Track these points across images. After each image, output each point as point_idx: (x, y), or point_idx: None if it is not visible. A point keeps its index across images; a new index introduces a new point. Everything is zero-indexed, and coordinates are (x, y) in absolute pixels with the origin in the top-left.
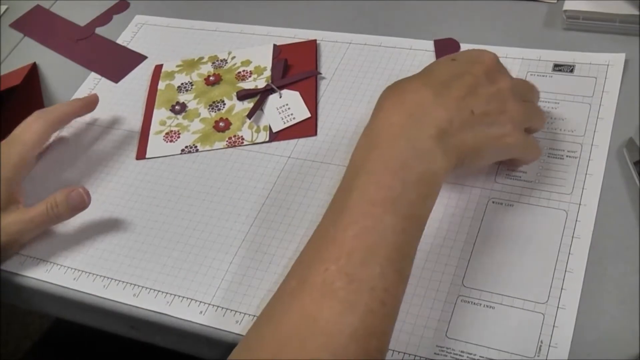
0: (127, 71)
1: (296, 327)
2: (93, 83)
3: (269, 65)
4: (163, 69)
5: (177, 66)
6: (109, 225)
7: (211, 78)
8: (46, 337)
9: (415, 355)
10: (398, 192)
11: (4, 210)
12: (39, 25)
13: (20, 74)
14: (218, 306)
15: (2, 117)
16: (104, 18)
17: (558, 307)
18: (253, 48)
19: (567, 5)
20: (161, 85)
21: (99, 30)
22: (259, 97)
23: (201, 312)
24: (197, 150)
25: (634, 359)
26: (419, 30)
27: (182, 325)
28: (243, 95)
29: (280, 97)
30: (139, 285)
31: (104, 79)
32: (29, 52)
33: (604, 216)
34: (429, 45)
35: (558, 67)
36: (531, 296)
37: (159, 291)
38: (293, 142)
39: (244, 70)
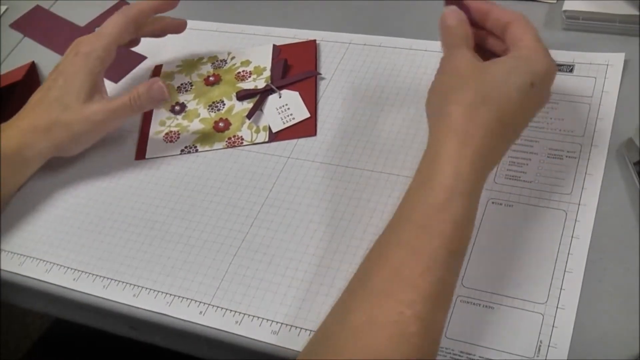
0: (127, 71)
1: None
2: None
3: (269, 66)
4: (163, 70)
5: (177, 66)
6: (109, 226)
7: (211, 78)
8: (46, 337)
9: None
10: (467, 242)
11: (90, 99)
12: (39, 25)
13: (20, 72)
14: (218, 306)
15: (2, 115)
16: (104, 18)
17: (557, 307)
18: (253, 48)
19: (567, 6)
20: None
21: None
22: (259, 97)
23: (201, 312)
24: (196, 151)
25: (633, 359)
26: (419, 30)
27: (182, 325)
28: (243, 96)
29: (280, 97)
30: (138, 286)
31: (104, 79)
32: (29, 52)
33: (603, 216)
34: (429, 45)
35: (558, 67)
36: (530, 296)
37: (158, 291)
38: (293, 142)
39: (243, 71)
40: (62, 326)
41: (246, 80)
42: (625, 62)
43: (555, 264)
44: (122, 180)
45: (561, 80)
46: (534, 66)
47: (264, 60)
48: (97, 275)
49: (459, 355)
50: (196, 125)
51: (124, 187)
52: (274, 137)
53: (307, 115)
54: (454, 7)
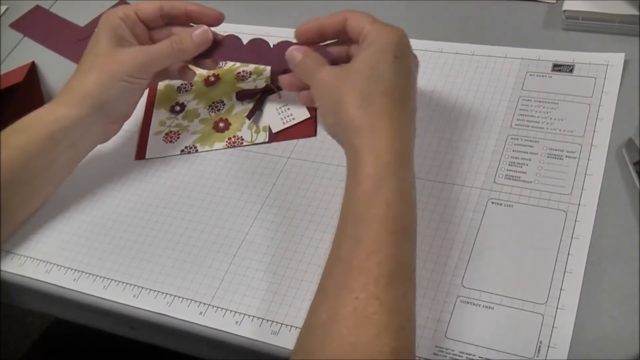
0: None
1: (336, 356)
2: None
3: (268, 67)
4: None
5: None
6: (109, 226)
7: (211, 78)
8: (46, 337)
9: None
10: (409, 220)
11: (122, 46)
12: (39, 25)
13: (21, 73)
14: (218, 307)
15: (3, 117)
16: None
17: (557, 308)
18: None
19: (567, 5)
20: (161, 85)
21: None
22: (259, 97)
23: (201, 312)
24: (196, 151)
25: (633, 359)
26: (418, 30)
27: (182, 325)
28: (243, 96)
29: (280, 97)
30: (138, 286)
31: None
32: (29, 52)
33: (603, 217)
34: (429, 45)
35: (557, 67)
36: (530, 297)
37: (158, 292)
38: (293, 142)
39: (243, 71)
40: (62, 326)
41: (246, 80)
42: (625, 62)
43: (555, 264)
44: (122, 180)
45: (561, 80)
46: (386, 43)
47: None
48: (97, 275)
49: (459, 355)
50: (196, 125)
51: (124, 187)
52: (274, 137)
53: (307, 115)
54: (294, 47)
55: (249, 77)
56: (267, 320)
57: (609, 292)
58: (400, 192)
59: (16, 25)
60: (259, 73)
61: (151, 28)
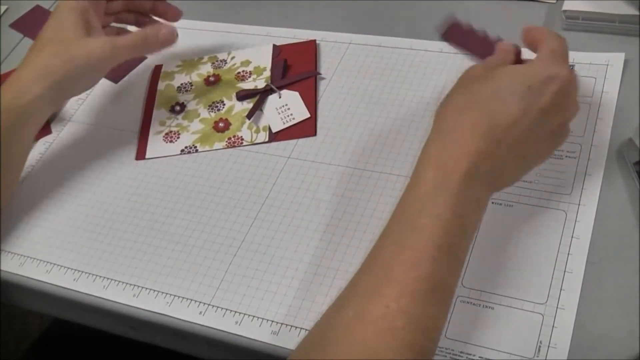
0: (127, 71)
1: (354, 357)
2: None
3: (269, 66)
4: (163, 69)
5: (177, 66)
6: (109, 226)
7: (211, 78)
8: (46, 337)
9: None
10: (458, 238)
11: (89, 34)
12: (39, 25)
13: None
14: (218, 306)
15: None
16: None
17: (557, 308)
18: (253, 48)
19: (567, 6)
20: (161, 85)
21: None
22: (259, 97)
23: (201, 312)
24: (196, 151)
25: (633, 359)
26: (419, 30)
27: (182, 325)
28: (243, 96)
29: (280, 97)
30: (138, 286)
31: (103, 79)
32: None
33: (603, 216)
34: (429, 45)
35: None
36: (530, 296)
37: (158, 291)
38: (293, 142)
39: (243, 71)
40: (62, 326)
41: (246, 80)
42: (625, 62)
43: (555, 264)
44: (122, 180)
45: None
46: (534, 71)
47: (264, 60)
48: (97, 275)
49: (459, 355)
50: (196, 125)
51: (124, 187)
52: (274, 137)
53: (307, 115)
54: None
55: (249, 77)
56: (267, 320)
57: (609, 291)
58: (453, 209)
59: (16, 25)
60: (259, 73)
61: (111, 11)
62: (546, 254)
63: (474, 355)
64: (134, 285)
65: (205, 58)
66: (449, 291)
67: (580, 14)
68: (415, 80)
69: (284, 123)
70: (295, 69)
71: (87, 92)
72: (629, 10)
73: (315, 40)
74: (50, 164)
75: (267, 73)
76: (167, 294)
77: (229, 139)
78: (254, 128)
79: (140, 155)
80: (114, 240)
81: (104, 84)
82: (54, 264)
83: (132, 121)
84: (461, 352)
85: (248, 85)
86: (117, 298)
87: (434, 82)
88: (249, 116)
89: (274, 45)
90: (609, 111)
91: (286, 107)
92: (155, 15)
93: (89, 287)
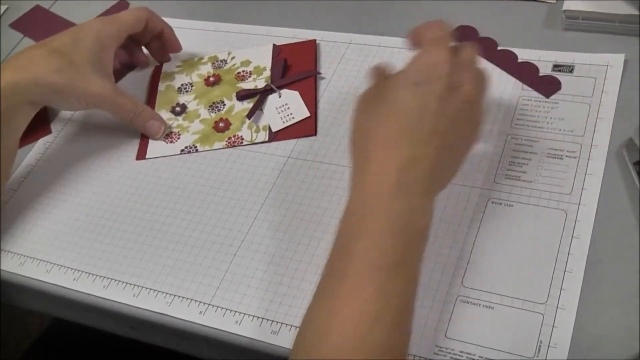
0: (127, 71)
1: None
2: None
3: (269, 65)
4: (163, 70)
5: (177, 67)
6: (109, 226)
7: (211, 79)
8: (46, 337)
9: (414, 356)
10: (399, 253)
11: (99, 71)
12: (39, 25)
13: None
14: (218, 306)
15: None
16: None
17: (557, 307)
18: (253, 48)
19: (567, 5)
20: (161, 86)
21: None
22: (259, 97)
23: (201, 312)
24: (196, 151)
25: (633, 359)
26: None
27: (182, 325)
28: (243, 96)
29: (280, 97)
30: (139, 286)
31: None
32: None
33: (603, 216)
34: None
35: (558, 68)
36: (530, 296)
37: (159, 291)
38: (293, 142)
39: (243, 71)
40: (62, 326)
41: (246, 80)
42: (625, 62)
43: (555, 264)
44: (122, 180)
45: (561, 80)
46: (414, 66)
47: (264, 60)
48: (97, 275)
49: (459, 355)
50: (196, 125)
51: (124, 187)
52: (274, 136)
53: (307, 114)
54: None
55: (249, 77)
56: (267, 320)
57: (609, 291)
58: (390, 227)
59: (16, 25)
60: (259, 73)
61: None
62: (546, 254)
63: (474, 355)
64: (134, 285)
65: (206, 58)
66: (403, 310)
67: (580, 14)
68: None
69: (284, 122)
70: (295, 68)
71: None
72: (629, 10)
73: (315, 40)
74: (50, 164)
75: (267, 73)
76: (167, 293)
77: (229, 138)
78: (254, 128)
79: (141, 155)
80: (114, 240)
81: None
82: (54, 264)
83: None
84: (461, 352)
85: (248, 85)
86: (117, 298)
87: None
88: (248, 116)
89: (274, 45)
90: (609, 111)
91: (286, 106)
92: (160, 43)
93: (89, 287)
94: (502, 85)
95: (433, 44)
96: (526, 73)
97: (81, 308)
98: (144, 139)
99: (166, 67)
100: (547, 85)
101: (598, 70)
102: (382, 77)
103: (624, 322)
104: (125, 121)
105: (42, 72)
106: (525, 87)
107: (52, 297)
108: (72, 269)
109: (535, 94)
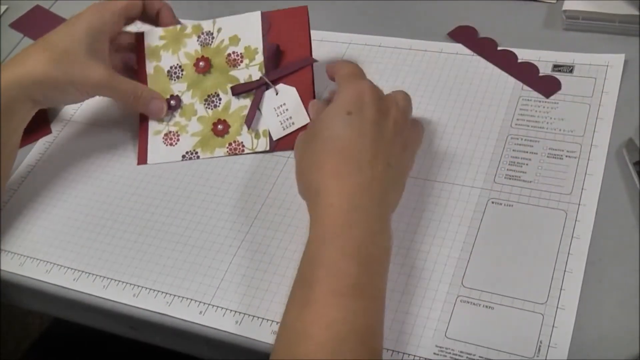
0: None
1: None
2: None
3: (260, 46)
4: (147, 43)
5: (160, 38)
6: (109, 226)
7: (201, 63)
8: (46, 337)
9: (414, 356)
10: (359, 276)
11: (93, 57)
12: (39, 25)
13: None
14: (218, 306)
15: None
16: None
17: (557, 307)
18: (239, 17)
19: (567, 6)
20: (149, 67)
21: None
22: (254, 96)
23: (201, 312)
24: (197, 157)
25: (633, 359)
26: (419, 30)
27: (182, 325)
28: (238, 90)
29: (277, 94)
30: (138, 286)
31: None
32: None
33: (603, 216)
34: (429, 45)
35: (558, 68)
36: (530, 296)
37: (158, 291)
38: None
39: (234, 52)
40: (62, 326)
41: (238, 67)
42: (625, 62)
43: (555, 264)
44: (122, 180)
45: (561, 80)
46: (342, 99)
47: (254, 36)
48: (97, 275)
49: (459, 355)
50: (195, 125)
51: (124, 187)
52: (275, 145)
53: (307, 120)
54: (313, 100)
55: (241, 62)
56: (267, 320)
57: (609, 291)
58: (347, 252)
59: (16, 25)
60: (251, 57)
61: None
62: (546, 254)
63: (474, 355)
64: (134, 285)
65: (189, 28)
66: (366, 331)
67: (580, 14)
68: (415, 80)
69: (284, 129)
70: (289, 47)
71: None
72: (629, 10)
73: (306, 7)
74: (50, 163)
75: (260, 57)
76: (167, 293)
77: (230, 144)
78: (254, 133)
79: (142, 159)
80: (114, 240)
81: None
82: (54, 264)
83: (131, 120)
84: (461, 352)
85: (241, 73)
86: (117, 298)
87: (433, 82)
88: (247, 123)
89: (263, 15)
90: (609, 111)
91: (284, 107)
92: (156, 22)
93: (89, 287)
94: (502, 85)
95: (353, 77)
96: (526, 73)
97: (81, 308)
98: (143, 139)
99: (149, 39)
100: (547, 86)
101: (598, 71)
102: (316, 114)
103: (624, 322)
104: (128, 105)
105: (38, 66)
106: (525, 87)
107: (52, 297)
108: (72, 269)
109: (535, 94)
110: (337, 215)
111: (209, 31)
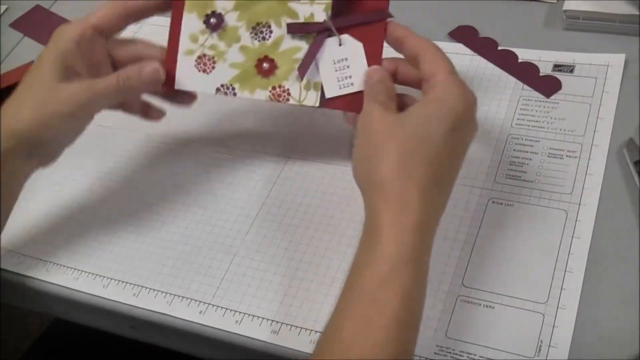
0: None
1: None
2: None
3: None
4: None
5: None
6: (109, 226)
7: None
8: (46, 337)
9: (415, 355)
10: (417, 304)
11: (66, 79)
12: (39, 25)
13: (21, 73)
14: (218, 306)
15: None
16: None
17: (558, 307)
18: None
19: (567, 5)
20: None
21: None
22: (314, 40)
23: (201, 312)
24: (234, 94)
25: (634, 359)
26: (419, 30)
27: (182, 325)
28: (295, 29)
29: (340, 44)
30: (139, 285)
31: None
32: (29, 52)
33: (603, 216)
34: None
35: (558, 68)
36: (531, 296)
37: (158, 291)
38: (294, 140)
39: None
40: (62, 326)
41: (300, 0)
42: (626, 62)
43: (556, 263)
44: (122, 180)
45: (562, 80)
46: (451, 108)
47: None
48: (97, 275)
49: (459, 355)
50: (235, 55)
51: (124, 186)
52: (325, 102)
53: None
54: (375, 66)
55: None
56: (267, 320)
57: (610, 291)
58: (417, 282)
59: (16, 25)
60: None
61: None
62: (547, 254)
63: (474, 355)
64: (134, 284)
65: None
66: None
67: (580, 14)
68: None
69: (340, 88)
70: None
71: None
72: (629, 10)
73: None
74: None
75: None
76: (167, 293)
77: (274, 89)
78: (304, 82)
79: (169, 82)
80: (114, 240)
81: None
82: (54, 263)
83: (131, 120)
84: (461, 352)
85: (302, 8)
86: (117, 297)
87: None
88: (301, 72)
89: None
90: (609, 111)
91: (345, 62)
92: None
93: (89, 286)
94: (502, 85)
95: (458, 80)
96: (526, 73)
97: (81, 308)
98: (171, 60)
99: None
100: (548, 85)
101: (598, 70)
102: (386, 94)
103: (624, 322)
104: (127, 95)
105: (11, 122)
106: (526, 87)
107: (52, 297)
108: (72, 268)
109: (535, 94)
110: (416, 237)
111: None
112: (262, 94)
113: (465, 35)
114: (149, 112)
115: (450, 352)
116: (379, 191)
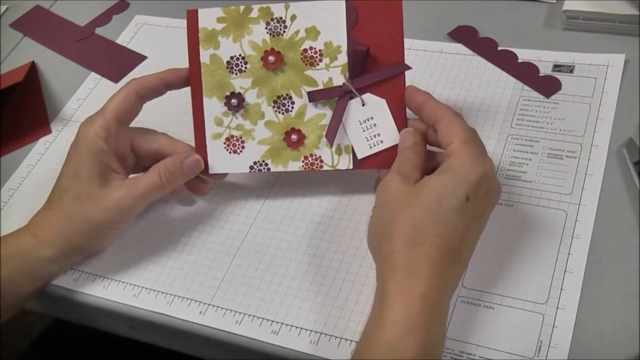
0: (127, 71)
1: None
2: (93, 83)
3: (344, 44)
4: (201, 26)
5: (219, 20)
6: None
7: (270, 58)
8: (45, 337)
9: None
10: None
11: (107, 184)
12: (39, 25)
13: (21, 72)
14: (218, 306)
15: (2, 116)
16: (104, 18)
17: (558, 308)
18: (318, 3)
19: (567, 5)
20: (204, 55)
21: (99, 31)
22: (337, 105)
23: (201, 312)
24: (268, 169)
25: (634, 359)
26: (419, 30)
27: (182, 325)
28: (316, 98)
29: (363, 105)
30: (138, 286)
31: (104, 79)
32: (29, 52)
33: (603, 216)
34: (429, 45)
35: (558, 68)
36: (531, 296)
37: (158, 291)
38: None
39: (311, 49)
40: (61, 326)
41: (316, 66)
42: (625, 62)
43: (556, 264)
44: None
45: (562, 80)
46: (465, 177)
47: (336, 31)
48: (97, 275)
49: (459, 355)
50: (262, 131)
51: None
52: (359, 164)
53: (398, 140)
54: (409, 129)
55: (320, 61)
56: (267, 320)
57: (609, 291)
58: (426, 347)
59: (16, 25)
60: (333, 57)
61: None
62: (546, 254)
63: (474, 355)
64: (134, 285)
65: (255, 10)
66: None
67: (580, 14)
68: (415, 80)
69: (370, 147)
70: (378, 48)
71: (87, 92)
72: (629, 10)
73: (401, 2)
74: (50, 163)
75: (343, 57)
76: (167, 293)
77: (306, 158)
78: (335, 147)
79: (204, 168)
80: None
81: (104, 84)
82: None
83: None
84: (461, 352)
85: (319, 75)
86: (117, 298)
87: (434, 82)
88: (329, 138)
89: (348, 5)
90: (609, 111)
91: (371, 121)
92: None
93: (88, 287)
94: (502, 85)
95: (475, 149)
96: (526, 73)
97: (81, 308)
98: (200, 146)
99: (204, 21)
100: (548, 86)
101: (598, 71)
102: (414, 162)
103: (624, 322)
104: (170, 190)
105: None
106: (526, 87)
107: (52, 297)
108: (72, 269)
109: (535, 94)
110: (424, 305)
111: (281, 18)
112: (295, 165)
113: (465, 35)
114: (197, 189)
115: (450, 353)
116: (388, 261)
